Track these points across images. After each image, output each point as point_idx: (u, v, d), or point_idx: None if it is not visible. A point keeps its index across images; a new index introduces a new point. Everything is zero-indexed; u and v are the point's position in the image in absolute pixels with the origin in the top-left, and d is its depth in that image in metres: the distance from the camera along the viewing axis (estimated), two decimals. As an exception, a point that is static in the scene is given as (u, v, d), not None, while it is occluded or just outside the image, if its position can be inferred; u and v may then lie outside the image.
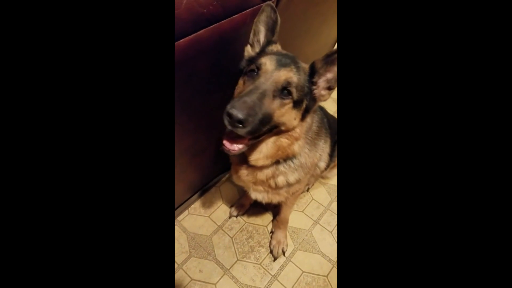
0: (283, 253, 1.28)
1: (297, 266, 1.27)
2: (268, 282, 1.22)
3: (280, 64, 0.72)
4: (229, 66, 0.85)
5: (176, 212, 1.35)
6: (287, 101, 0.72)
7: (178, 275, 1.21)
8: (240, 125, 0.63)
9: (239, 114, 0.61)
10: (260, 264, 1.26)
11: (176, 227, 1.34)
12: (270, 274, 1.24)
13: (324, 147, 1.00)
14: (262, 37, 0.80)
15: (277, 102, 0.71)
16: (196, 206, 1.42)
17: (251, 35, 0.79)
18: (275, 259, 1.27)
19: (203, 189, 1.44)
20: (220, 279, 1.21)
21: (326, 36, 1.42)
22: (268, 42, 0.80)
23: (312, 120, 0.88)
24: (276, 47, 0.81)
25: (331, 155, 1.08)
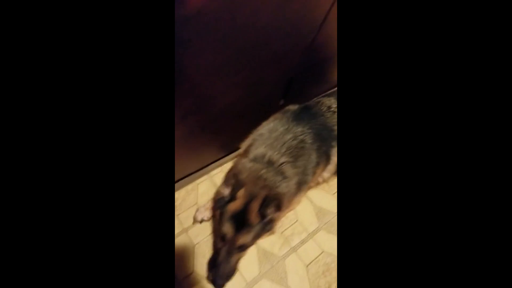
0: None
1: (317, 245, 1.24)
2: (287, 252, 1.21)
3: None
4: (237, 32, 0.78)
5: (209, 167, 1.39)
6: None
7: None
8: None
9: None
10: (281, 233, 1.26)
11: (206, 181, 1.38)
12: (290, 245, 1.23)
13: None
14: None
15: None
16: (229, 166, 1.44)
17: None
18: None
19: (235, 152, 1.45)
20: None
21: None
22: None
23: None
24: None
25: None
